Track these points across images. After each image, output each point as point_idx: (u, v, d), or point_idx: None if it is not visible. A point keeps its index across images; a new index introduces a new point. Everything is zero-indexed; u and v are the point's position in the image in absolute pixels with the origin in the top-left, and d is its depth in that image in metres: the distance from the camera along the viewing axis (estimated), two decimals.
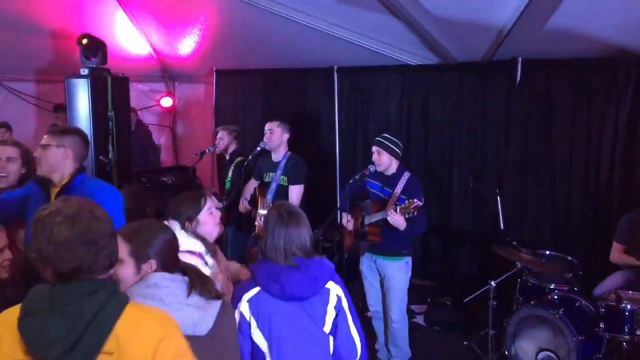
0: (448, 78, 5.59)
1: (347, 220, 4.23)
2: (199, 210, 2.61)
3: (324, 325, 2.41)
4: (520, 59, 5.03)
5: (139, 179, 5.90)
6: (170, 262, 2.02)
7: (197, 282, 1.98)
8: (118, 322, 1.51)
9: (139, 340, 1.51)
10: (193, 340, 1.73)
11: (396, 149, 4.10)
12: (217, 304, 1.98)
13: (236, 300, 2.36)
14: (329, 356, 2.45)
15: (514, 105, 5.22)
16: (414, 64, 5.69)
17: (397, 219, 3.78)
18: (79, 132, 3.19)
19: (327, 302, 2.42)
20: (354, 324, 2.51)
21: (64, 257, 1.50)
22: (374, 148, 4.12)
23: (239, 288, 2.40)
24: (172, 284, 1.93)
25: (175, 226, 2.50)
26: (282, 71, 6.67)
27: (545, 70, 5.05)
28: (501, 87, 5.28)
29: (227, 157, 5.48)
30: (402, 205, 3.76)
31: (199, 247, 2.53)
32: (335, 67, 6.21)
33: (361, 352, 2.55)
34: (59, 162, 3.00)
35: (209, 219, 2.65)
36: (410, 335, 4.32)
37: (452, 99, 5.58)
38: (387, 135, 4.17)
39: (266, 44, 6.15)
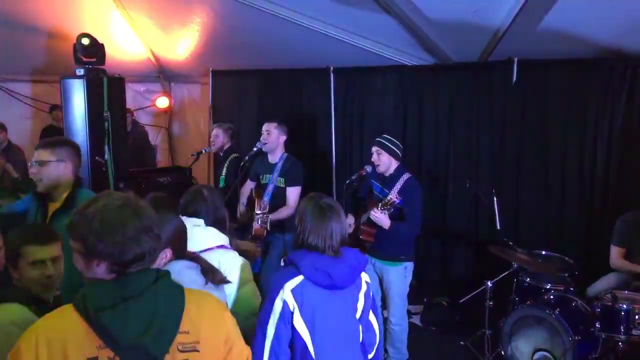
0: (444, 78, 5.60)
1: (348, 224, 4.23)
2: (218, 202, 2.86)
3: (356, 312, 2.50)
4: (516, 60, 5.04)
5: (135, 179, 5.89)
6: (182, 249, 2.13)
7: (208, 269, 2.15)
8: (187, 305, 1.61)
9: (207, 318, 1.65)
10: None
11: (396, 150, 4.12)
12: (223, 288, 2.19)
13: (277, 287, 2.34)
14: (359, 343, 2.52)
15: (509, 105, 5.22)
16: (410, 65, 5.69)
17: (379, 217, 3.82)
18: (70, 143, 3.18)
19: (359, 289, 2.51)
20: (373, 310, 2.61)
21: (129, 248, 1.53)
22: (374, 148, 4.13)
23: (280, 276, 2.40)
24: (191, 271, 2.07)
25: (199, 224, 2.61)
26: (279, 71, 6.66)
27: (541, 71, 5.05)
28: (497, 87, 5.29)
29: (222, 154, 5.47)
30: (382, 202, 3.79)
31: (226, 240, 2.70)
32: (332, 68, 6.20)
33: (379, 339, 2.65)
34: (60, 177, 2.97)
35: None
36: (406, 339, 4.33)
37: (448, 100, 5.58)
38: (387, 136, 4.19)
39: (262, 44, 6.15)
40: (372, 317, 2.59)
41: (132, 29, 6.72)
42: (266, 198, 4.69)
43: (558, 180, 5.07)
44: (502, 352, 4.12)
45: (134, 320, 1.48)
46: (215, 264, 2.65)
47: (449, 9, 4.53)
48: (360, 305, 2.50)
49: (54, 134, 7.06)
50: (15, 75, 7.04)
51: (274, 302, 2.31)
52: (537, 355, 3.86)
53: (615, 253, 4.34)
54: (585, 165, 4.92)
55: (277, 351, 2.30)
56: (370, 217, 3.87)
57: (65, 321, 1.51)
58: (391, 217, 3.92)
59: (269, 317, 2.31)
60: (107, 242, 1.51)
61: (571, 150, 4.99)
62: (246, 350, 1.78)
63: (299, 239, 2.46)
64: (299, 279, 2.35)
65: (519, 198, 5.25)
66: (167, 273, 1.66)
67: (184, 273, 2.01)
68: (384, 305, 4.28)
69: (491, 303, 4.31)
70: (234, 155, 5.31)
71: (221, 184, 5.29)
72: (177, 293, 1.62)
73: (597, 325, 3.74)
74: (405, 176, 4.12)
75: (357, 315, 2.50)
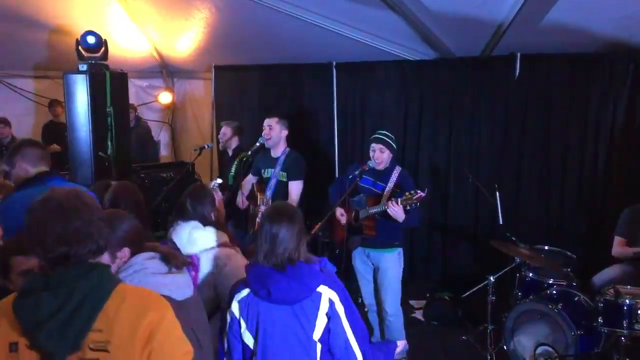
0: (446, 73, 5.59)
1: (340, 214, 4.23)
2: (214, 201, 2.81)
3: (313, 331, 2.32)
4: (519, 54, 5.03)
5: (138, 174, 5.91)
6: (139, 244, 2.12)
7: (169, 255, 2.12)
8: (108, 301, 1.57)
9: (126, 317, 1.57)
10: (186, 303, 2.02)
11: (394, 145, 4.14)
12: (186, 270, 2.16)
13: (229, 300, 2.38)
14: None
15: (512, 100, 5.22)
16: (412, 59, 5.69)
17: (397, 210, 3.80)
18: (23, 144, 3.27)
19: (318, 308, 2.31)
20: (353, 329, 2.36)
21: (54, 244, 1.56)
22: (377, 146, 4.10)
23: (232, 289, 2.40)
24: (152, 262, 2.04)
25: (197, 226, 2.66)
26: (281, 67, 6.66)
27: (544, 65, 5.04)
28: (499, 82, 5.28)
29: (230, 153, 5.48)
30: (404, 197, 3.78)
31: (225, 237, 2.70)
32: (334, 63, 6.20)
33: None
34: (20, 179, 3.16)
35: (221, 205, 2.88)
36: (408, 331, 4.34)
37: (450, 94, 5.57)
38: (385, 132, 4.18)
39: (265, 39, 6.15)
40: (351, 338, 2.34)
41: (135, 24, 6.72)
42: (269, 192, 4.69)
43: (559, 175, 5.07)
44: (505, 347, 4.12)
45: (41, 311, 1.50)
46: (217, 262, 2.68)
47: (451, 3, 4.51)
48: (319, 324, 2.31)
49: (54, 130, 7.09)
50: (18, 70, 7.06)
51: (225, 313, 2.36)
52: (540, 350, 3.85)
53: (617, 242, 4.37)
54: (586, 159, 4.92)
55: None
56: (388, 211, 3.85)
57: (4, 304, 1.60)
58: (407, 211, 3.93)
59: (224, 328, 2.37)
60: (33, 240, 1.59)
61: (573, 144, 4.99)
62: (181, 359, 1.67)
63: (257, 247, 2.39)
64: (246, 291, 2.34)
65: (520, 193, 5.26)
66: (104, 267, 1.66)
67: (147, 265, 2.01)
68: (378, 297, 4.28)
69: (493, 298, 4.31)
70: (243, 153, 5.30)
71: (230, 182, 5.30)
72: (102, 289, 1.58)
73: (600, 320, 3.73)
74: (398, 169, 4.14)
75: (316, 335, 2.32)
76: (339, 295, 2.34)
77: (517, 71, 5.09)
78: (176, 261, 2.11)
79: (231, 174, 5.32)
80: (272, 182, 4.71)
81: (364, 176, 4.17)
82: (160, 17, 6.50)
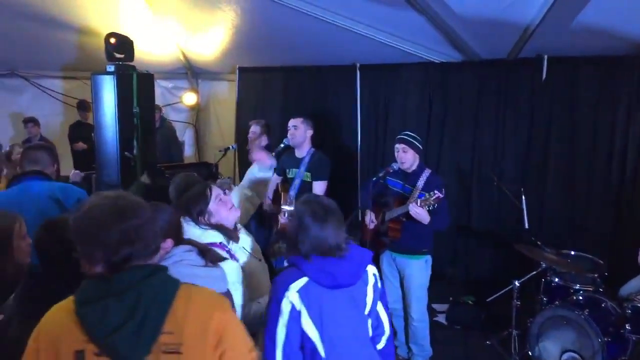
0: (471, 75, 5.55)
1: (370, 219, 4.22)
2: (207, 202, 2.62)
3: (365, 307, 2.46)
4: (546, 57, 4.97)
5: (163, 174, 5.96)
6: (179, 236, 2.17)
7: (204, 250, 2.15)
8: (175, 303, 1.57)
9: (195, 318, 1.58)
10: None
11: (420, 146, 4.13)
12: (221, 267, 2.18)
13: (282, 289, 2.32)
14: (369, 338, 2.51)
15: (538, 103, 5.16)
16: (437, 61, 5.66)
17: (419, 211, 3.78)
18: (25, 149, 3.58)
19: (367, 283, 2.47)
20: (382, 301, 2.57)
21: (118, 245, 1.55)
22: (400, 146, 4.11)
23: (284, 277, 2.37)
24: (190, 255, 2.09)
25: (188, 224, 2.54)
26: (305, 68, 6.68)
27: (571, 68, 4.98)
28: (525, 85, 5.23)
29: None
30: (423, 198, 3.77)
31: (217, 237, 2.57)
32: (358, 65, 6.20)
33: (389, 331, 2.60)
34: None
35: (220, 206, 2.66)
36: (431, 334, 4.31)
37: (475, 97, 5.54)
38: (410, 133, 4.18)
39: (289, 41, 6.17)
40: (380, 307, 2.56)
41: (161, 26, 6.79)
42: (292, 192, 4.71)
43: (586, 180, 5.00)
44: (530, 353, 4.07)
45: (110, 318, 1.49)
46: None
47: (478, 5, 4.48)
48: (369, 299, 2.48)
49: (81, 130, 7.21)
50: (46, 71, 7.19)
51: (280, 304, 2.28)
52: (566, 356, 3.80)
53: None
54: (614, 164, 4.84)
55: (289, 354, 2.28)
56: (410, 213, 3.83)
57: (62, 314, 1.57)
58: (429, 211, 3.91)
59: (277, 320, 2.28)
60: (92, 244, 1.56)
61: (600, 149, 4.92)
62: (249, 356, 1.70)
63: (300, 242, 2.40)
64: (304, 280, 2.33)
65: (546, 196, 5.20)
66: (163, 269, 1.65)
67: (185, 257, 2.05)
68: (404, 302, 4.26)
69: (518, 303, 4.27)
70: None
71: None
72: (167, 291, 1.59)
73: (628, 327, 3.67)
74: (427, 172, 4.12)
75: (367, 310, 2.47)
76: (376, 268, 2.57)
77: (544, 74, 5.03)
78: (211, 256, 2.15)
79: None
80: (296, 182, 4.72)
81: (394, 179, 4.18)
82: (186, 19, 6.57)
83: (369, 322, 2.50)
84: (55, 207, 3.21)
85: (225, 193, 2.79)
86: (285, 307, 2.28)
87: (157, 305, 1.54)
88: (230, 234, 2.64)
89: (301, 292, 2.31)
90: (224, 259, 2.27)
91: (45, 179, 3.40)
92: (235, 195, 3.90)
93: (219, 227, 2.60)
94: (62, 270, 1.93)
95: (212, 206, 2.62)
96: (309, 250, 2.37)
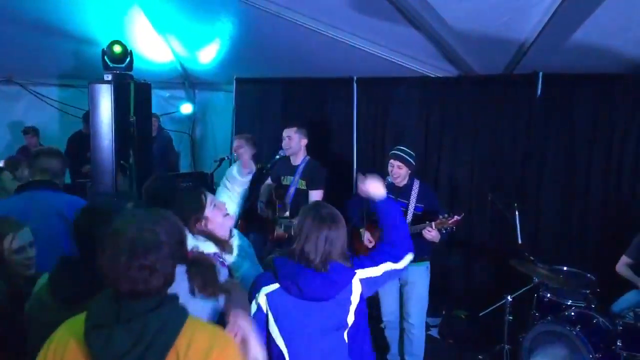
0: (467, 91, 5.58)
1: (367, 239, 4.20)
2: (203, 207, 2.57)
3: (343, 327, 2.40)
4: (541, 73, 5.01)
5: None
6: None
7: (197, 277, 1.98)
8: (179, 338, 1.55)
9: (194, 355, 1.55)
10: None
11: (413, 162, 4.15)
12: (213, 301, 2.00)
13: (254, 290, 2.37)
14: (343, 354, 2.42)
15: (533, 119, 5.19)
16: (433, 76, 5.70)
17: (434, 235, 3.80)
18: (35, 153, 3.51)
19: (349, 303, 2.40)
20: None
21: (122, 282, 1.53)
22: (395, 162, 4.13)
23: (260, 279, 2.41)
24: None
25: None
26: (302, 81, 6.71)
27: (567, 85, 5.02)
28: (521, 101, 5.26)
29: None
30: (439, 221, 3.78)
31: (212, 248, 2.53)
32: (355, 78, 6.23)
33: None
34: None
35: (215, 212, 2.61)
36: (424, 347, 4.30)
37: (471, 112, 5.56)
38: (404, 148, 4.20)
39: (287, 53, 6.20)
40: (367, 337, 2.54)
41: (159, 36, 6.82)
42: (287, 201, 4.71)
43: (582, 197, 5.01)
44: None
45: (114, 348, 1.49)
46: None
47: (474, 21, 4.52)
48: (350, 319, 2.41)
49: (81, 141, 7.11)
50: (43, 78, 7.19)
51: (251, 304, 2.34)
52: None
53: (623, 260, 4.41)
54: (610, 181, 4.86)
55: None
56: (425, 235, 3.84)
57: (72, 329, 1.58)
58: (415, 221, 3.93)
59: None
60: (105, 273, 1.55)
61: (596, 166, 4.93)
62: None
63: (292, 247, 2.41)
64: (275, 285, 2.36)
65: (541, 213, 5.21)
66: (175, 299, 1.64)
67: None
68: (402, 311, 4.26)
69: (511, 317, 4.27)
70: (259, 165, 5.30)
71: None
72: (174, 325, 1.56)
73: (619, 343, 3.68)
74: (417, 183, 4.15)
75: (350, 319, 2.40)
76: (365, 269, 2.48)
77: (540, 90, 5.07)
78: (204, 287, 2.04)
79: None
80: (291, 190, 4.72)
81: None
82: (184, 29, 6.60)
83: (345, 342, 2.42)
84: (61, 223, 3.12)
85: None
86: (253, 308, 2.34)
87: (162, 339, 1.52)
88: (224, 246, 2.60)
89: (269, 296, 2.35)
90: (226, 291, 2.12)
91: (54, 191, 3.33)
92: (224, 196, 3.84)
93: (214, 239, 2.57)
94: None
95: (208, 212, 2.58)
96: (293, 254, 2.37)
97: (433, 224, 3.79)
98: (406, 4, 4.39)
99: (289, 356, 2.33)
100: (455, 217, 3.75)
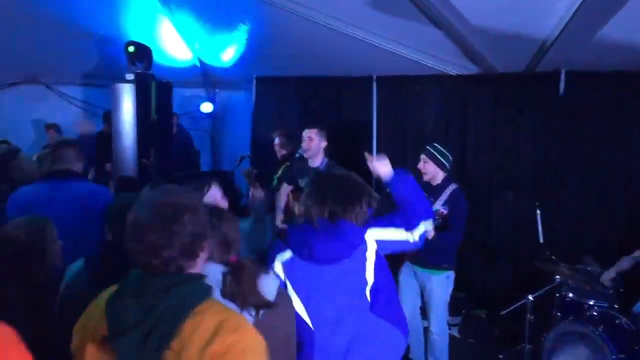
0: (488, 89, 5.54)
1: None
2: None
3: (364, 285, 2.37)
4: (563, 71, 4.96)
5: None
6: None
7: (231, 283, 1.77)
8: (188, 320, 1.46)
9: (197, 341, 1.44)
10: None
11: (443, 160, 4.11)
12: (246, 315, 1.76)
13: (270, 261, 2.41)
14: (368, 315, 2.37)
15: (555, 117, 5.13)
16: (453, 74, 5.67)
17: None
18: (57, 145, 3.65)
19: (365, 260, 2.38)
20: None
21: (145, 255, 1.51)
22: (422, 156, 4.16)
23: (272, 250, 2.44)
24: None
25: None
26: (321, 79, 6.71)
27: (589, 83, 4.95)
28: (542, 99, 5.20)
29: (279, 158, 5.50)
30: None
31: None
32: (374, 76, 6.22)
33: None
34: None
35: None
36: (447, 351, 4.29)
37: (492, 110, 5.52)
38: (437, 145, 4.19)
39: (306, 52, 6.21)
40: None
41: (180, 35, 6.88)
42: None
43: (603, 196, 4.95)
44: None
45: (123, 320, 1.46)
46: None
47: (495, 18, 4.49)
48: (370, 276, 2.37)
49: (106, 140, 7.19)
50: (67, 78, 7.30)
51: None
52: None
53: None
54: (632, 181, 4.80)
55: None
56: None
57: (102, 299, 1.58)
58: (436, 227, 3.91)
59: None
60: (128, 245, 1.53)
61: (618, 165, 4.87)
62: None
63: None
64: (288, 253, 2.39)
65: (562, 212, 5.15)
66: (196, 279, 1.55)
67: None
68: (424, 315, 4.26)
69: (532, 317, 4.23)
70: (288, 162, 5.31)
71: (274, 183, 5.33)
72: (186, 306, 1.47)
73: None
74: (452, 187, 4.11)
75: (368, 287, 2.37)
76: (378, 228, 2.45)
77: (562, 88, 5.01)
78: (237, 297, 1.84)
79: (276, 176, 5.36)
80: None
81: None
82: (205, 28, 6.65)
83: (368, 287, 2.38)
84: (82, 213, 3.19)
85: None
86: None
87: (169, 319, 1.44)
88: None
89: (285, 265, 2.38)
90: (264, 305, 1.91)
91: (73, 179, 3.39)
92: None
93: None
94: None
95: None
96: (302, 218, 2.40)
97: None
98: (427, 1, 4.38)
99: (311, 321, 2.35)
100: (441, 209, 3.84)
